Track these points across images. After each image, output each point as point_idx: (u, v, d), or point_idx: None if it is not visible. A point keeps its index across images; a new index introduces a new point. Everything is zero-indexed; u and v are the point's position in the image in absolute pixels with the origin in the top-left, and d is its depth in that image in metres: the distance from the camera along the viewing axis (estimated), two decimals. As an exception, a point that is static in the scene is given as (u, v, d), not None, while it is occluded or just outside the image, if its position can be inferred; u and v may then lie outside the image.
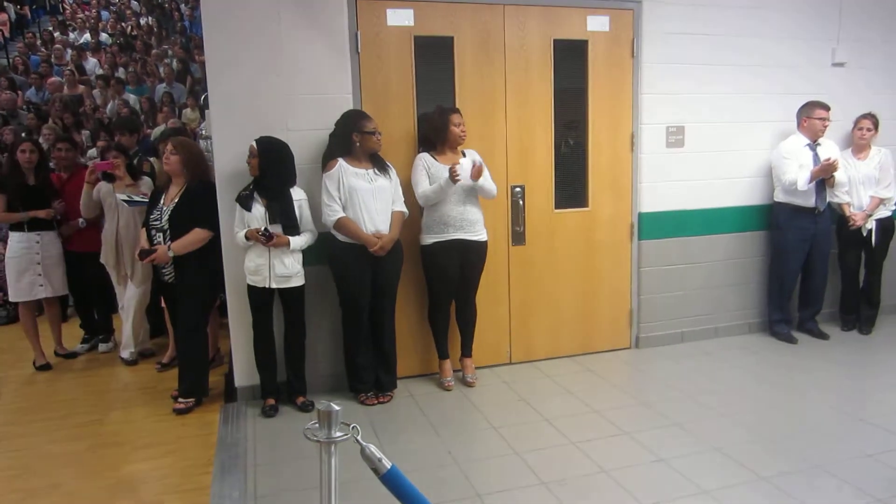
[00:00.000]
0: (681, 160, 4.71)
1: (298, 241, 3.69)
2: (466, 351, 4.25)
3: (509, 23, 4.26)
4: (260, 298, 3.73)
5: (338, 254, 3.82)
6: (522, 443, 3.41)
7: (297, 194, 3.76)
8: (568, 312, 4.63)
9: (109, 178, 4.59)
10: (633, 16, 4.48)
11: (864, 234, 4.85)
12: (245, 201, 3.66)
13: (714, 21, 4.65)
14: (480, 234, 4.06)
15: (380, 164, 3.85)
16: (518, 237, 4.43)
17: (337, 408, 1.65)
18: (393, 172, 3.90)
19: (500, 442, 3.44)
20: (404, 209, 3.92)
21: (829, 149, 4.71)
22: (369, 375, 3.96)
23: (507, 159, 4.35)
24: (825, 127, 4.68)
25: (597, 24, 4.43)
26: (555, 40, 4.35)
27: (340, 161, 3.76)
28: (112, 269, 4.77)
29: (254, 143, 3.65)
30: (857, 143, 4.93)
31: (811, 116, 4.67)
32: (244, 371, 3.98)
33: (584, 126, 4.52)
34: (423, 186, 3.92)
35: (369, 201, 3.75)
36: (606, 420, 3.65)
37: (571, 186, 4.56)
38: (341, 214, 3.73)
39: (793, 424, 3.57)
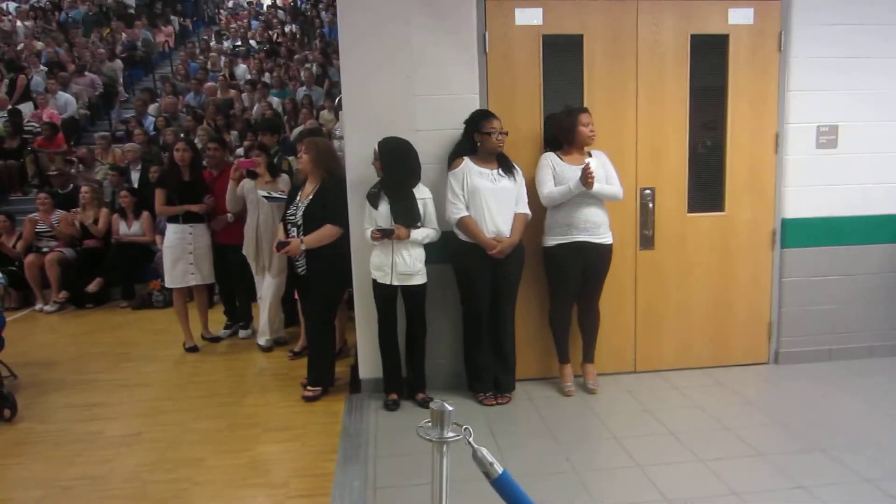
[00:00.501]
0: (832, 162, 4.32)
1: (418, 234, 3.75)
2: (588, 356, 4.15)
3: (643, 19, 4.10)
4: (384, 294, 3.84)
5: (459, 253, 3.86)
6: (646, 456, 3.27)
7: (422, 192, 3.82)
8: (699, 321, 4.39)
9: (252, 175, 4.90)
10: (782, 6, 4.17)
11: None
12: (373, 199, 3.78)
13: (873, 9, 4.22)
14: (605, 237, 3.94)
15: (506, 165, 3.84)
16: (647, 241, 4.25)
17: (450, 408, 1.65)
18: (519, 174, 3.87)
19: (621, 453, 3.32)
20: (527, 211, 3.88)
21: None
22: (488, 375, 3.96)
23: (636, 160, 4.20)
24: None
25: (739, 16, 4.17)
26: (692, 35, 4.14)
27: (466, 160, 3.81)
28: (252, 261, 5.09)
29: (376, 146, 3.75)
30: None
31: None
32: (369, 364, 4.12)
33: (723, 125, 4.26)
34: (548, 187, 3.86)
35: (491, 201, 3.75)
36: (739, 439, 3.42)
37: (706, 189, 4.32)
38: (465, 213, 3.76)
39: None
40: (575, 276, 3.95)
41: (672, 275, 4.32)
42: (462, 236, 3.82)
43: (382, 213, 3.74)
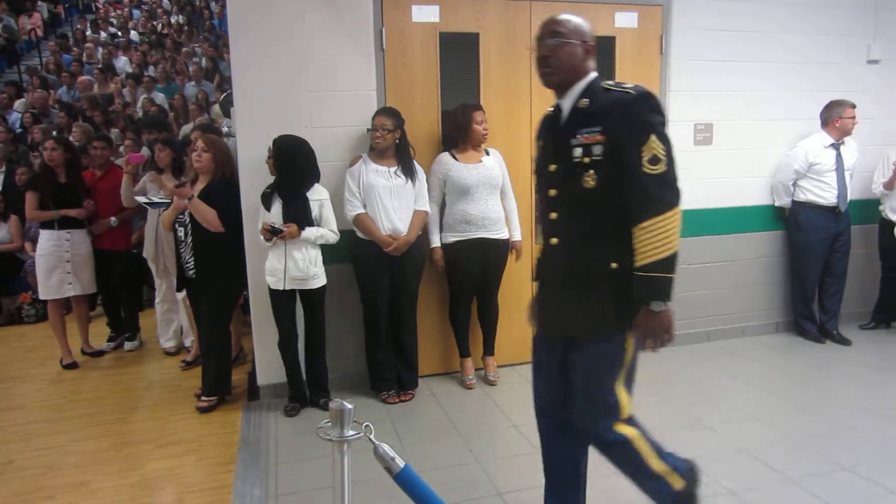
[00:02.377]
0: (708, 158, 4.62)
1: (309, 233, 3.61)
2: (488, 349, 4.22)
3: (536, 19, 4.20)
4: (279, 300, 3.71)
5: (357, 250, 3.82)
6: (544, 442, 3.36)
7: (319, 193, 3.71)
8: (592, 311, 4.58)
9: (160, 170, 4.60)
10: (662, 11, 4.41)
11: None
12: (266, 200, 3.65)
13: (745, 17, 4.55)
14: (502, 233, 4.02)
15: (405, 164, 3.80)
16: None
17: (350, 406, 1.63)
18: (420, 173, 3.87)
19: (521, 441, 3.41)
20: (427, 209, 3.89)
21: (851, 148, 4.66)
22: (390, 373, 3.95)
23: (531, 157, 4.30)
24: (854, 125, 4.58)
25: (625, 20, 4.37)
26: (582, 37, 4.30)
27: (363, 157, 3.79)
28: (152, 263, 4.79)
29: (271, 143, 3.63)
30: None
31: (843, 116, 4.55)
32: (267, 370, 3.99)
33: (611, 123, 4.46)
34: (433, 197, 3.96)
35: (386, 199, 3.73)
36: (630, 420, 3.60)
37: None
38: (360, 211, 3.73)
39: (821, 425, 3.49)
40: (474, 272, 4.00)
41: (566, 267, 4.47)
42: (360, 234, 3.79)
43: (274, 215, 3.61)
